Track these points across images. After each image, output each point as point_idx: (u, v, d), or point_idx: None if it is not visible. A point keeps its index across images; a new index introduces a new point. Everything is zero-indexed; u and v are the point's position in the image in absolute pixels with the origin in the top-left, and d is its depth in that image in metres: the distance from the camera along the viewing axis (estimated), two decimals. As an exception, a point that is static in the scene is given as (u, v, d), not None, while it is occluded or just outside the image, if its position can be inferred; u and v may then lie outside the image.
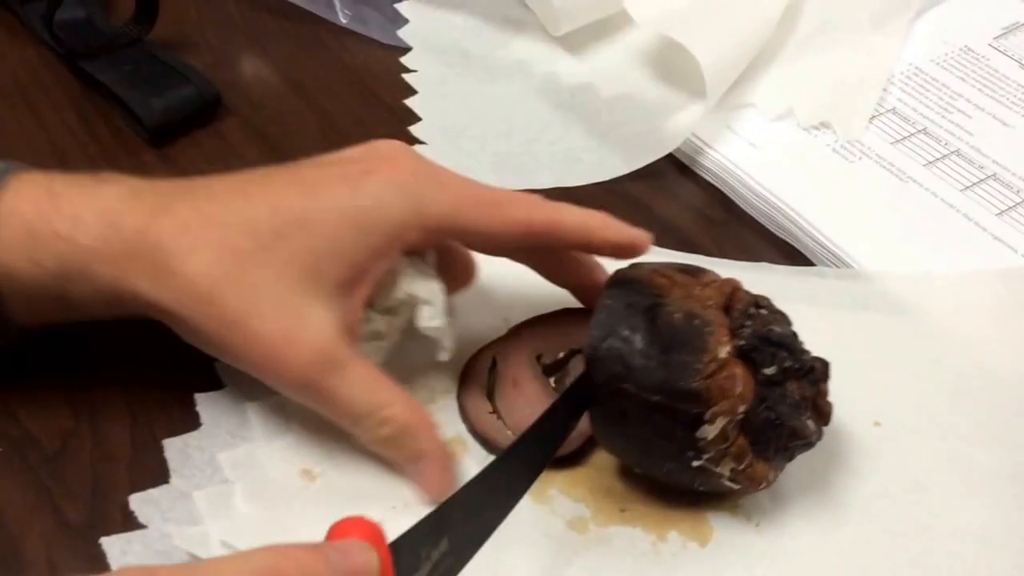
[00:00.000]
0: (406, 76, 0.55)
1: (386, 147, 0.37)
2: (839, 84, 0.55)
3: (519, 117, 0.53)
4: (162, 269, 0.33)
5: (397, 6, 0.58)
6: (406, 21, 0.57)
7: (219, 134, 0.51)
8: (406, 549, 0.28)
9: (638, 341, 0.34)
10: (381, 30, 0.57)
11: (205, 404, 0.38)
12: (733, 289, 0.36)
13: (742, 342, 0.34)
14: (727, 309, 0.35)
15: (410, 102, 0.53)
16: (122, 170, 0.47)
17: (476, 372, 0.39)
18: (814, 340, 0.36)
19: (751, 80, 0.54)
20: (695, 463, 0.34)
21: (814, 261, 0.47)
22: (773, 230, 0.49)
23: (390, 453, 0.36)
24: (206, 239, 0.33)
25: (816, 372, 0.36)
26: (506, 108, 0.53)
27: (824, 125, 0.53)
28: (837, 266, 0.47)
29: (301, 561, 0.26)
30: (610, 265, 0.39)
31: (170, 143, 0.50)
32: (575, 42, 0.57)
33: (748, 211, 0.50)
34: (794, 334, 0.36)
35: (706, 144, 0.51)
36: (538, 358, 0.39)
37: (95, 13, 0.54)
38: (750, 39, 0.54)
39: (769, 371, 0.34)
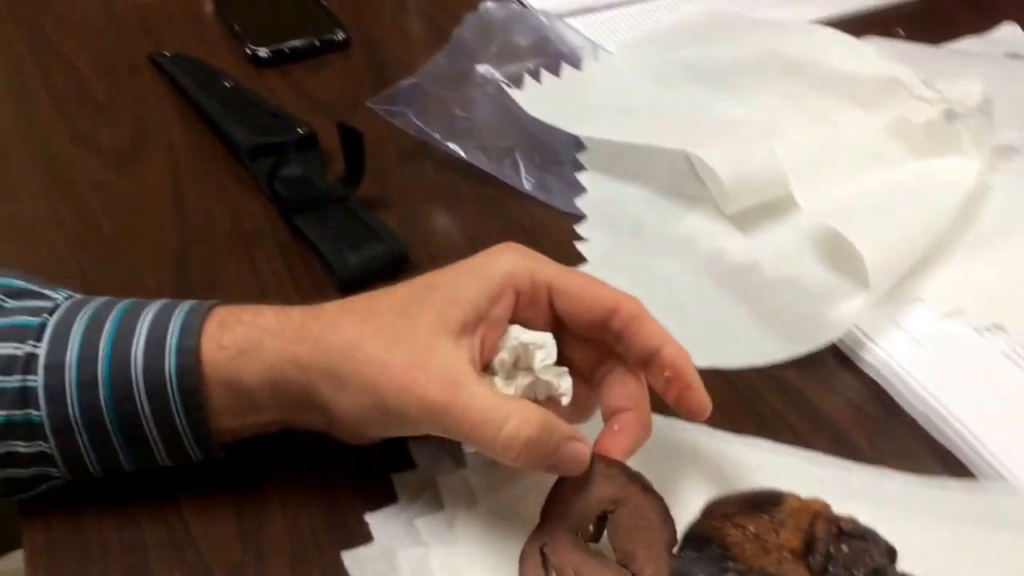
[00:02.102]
0: (578, 244, 0.58)
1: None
2: (1016, 283, 0.53)
3: (682, 292, 0.55)
4: (317, 339, 0.41)
5: (578, 175, 0.62)
6: (584, 190, 0.61)
7: (403, 288, 0.56)
8: None
9: None
10: (561, 198, 0.61)
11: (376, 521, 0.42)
12: (813, 519, 0.36)
13: None
14: (808, 545, 0.35)
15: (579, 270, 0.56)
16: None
17: (530, 568, 0.40)
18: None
19: (921, 274, 0.54)
20: None
21: (975, 474, 0.46)
22: (933, 434, 0.47)
23: (532, 458, 0.39)
24: (353, 309, 0.42)
25: None
26: (671, 283, 0.55)
27: (997, 327, 0.51)
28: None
29: None
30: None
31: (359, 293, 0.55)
32: (745, 221, 0.58)
33: (908, 411, 0.48)
34: (888, 556, 0.35)
35: (869, 337, 0.51)
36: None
37: (313, 171, 0.61)
38: (921, 235, 0.54)
39: None
